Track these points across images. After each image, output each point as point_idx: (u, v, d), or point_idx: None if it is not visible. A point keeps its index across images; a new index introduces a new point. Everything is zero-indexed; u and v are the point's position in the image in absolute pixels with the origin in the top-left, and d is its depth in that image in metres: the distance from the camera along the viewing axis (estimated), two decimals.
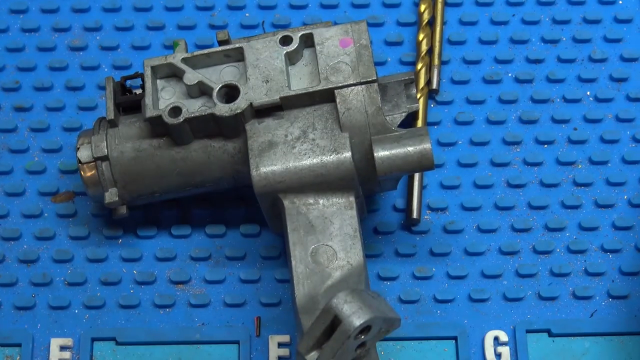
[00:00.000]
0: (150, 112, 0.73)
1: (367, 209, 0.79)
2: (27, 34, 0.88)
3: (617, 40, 0.87)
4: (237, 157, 0.74)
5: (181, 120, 0.72)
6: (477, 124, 0.84)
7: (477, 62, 0.86)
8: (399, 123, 0.75)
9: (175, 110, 0.73)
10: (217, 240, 0.81)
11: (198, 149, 0.74)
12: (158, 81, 0.76)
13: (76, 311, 0.79)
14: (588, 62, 0.86)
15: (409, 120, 0.82)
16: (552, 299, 0.78)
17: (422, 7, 0.86)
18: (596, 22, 0.87)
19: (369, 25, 0.87)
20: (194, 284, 0.79)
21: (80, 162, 0.75)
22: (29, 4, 0.88)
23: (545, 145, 0.83)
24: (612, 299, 0.78)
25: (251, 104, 0.72)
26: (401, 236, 0.81)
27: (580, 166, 0.83)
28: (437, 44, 0.85)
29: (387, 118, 0.74)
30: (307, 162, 0.71)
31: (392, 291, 0.79)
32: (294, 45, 0.74)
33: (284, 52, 0.74)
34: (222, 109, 0.72)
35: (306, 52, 0.75)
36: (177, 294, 0.79)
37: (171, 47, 0.87)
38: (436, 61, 0.85)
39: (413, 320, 0.78)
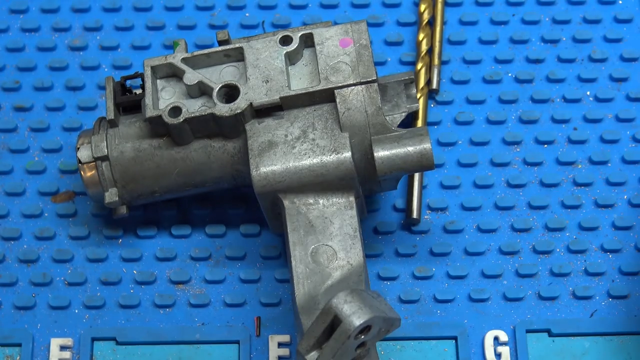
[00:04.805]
0: (150, 112, 0.73)
1: (367, 209, 0.79)
2: (27, 34, 0.88)
3: (617, 40, 0.87)
4: (237, 157, 0.74)
5: (181, 120, 0.72)
6: (477, 124, 0.84)
7: (477, 62, 0.86)
8: (399, 123, 0.75)
9: (175, 110, 0.73)
10: (217, 240, 0.81)
11: (198, 149, 0.74)
12: (158, 81, 0.76)
13: (76, 311, 0.79)
14: (588, 62, 0.86)
15: (409, 120, 0.82)
16: (552, 299, 0.78)
17: (422, 7, 0.86)
18: (596, 22, 0.87)
19: (369, 25, 0.87)
20: (194, 284, 0.79)
21: (80, 162, 0.75)
22: (29, 4, 0.88)
23: (545, 145, 0.83)
24: (612, 299, 0.78)
25: (251, 104, 0.72)
26: (401, 236, 0.81)
27: (580, 166, 0.83)
28: (437, 44, 0.85)
29: (387, 118, 0.74)
30: (307, 162, 0.71)
31: (392, 291, 0.79)
32: (294, 45, 0.74)
33: (284, 52, 0.74)
34: (222, 109, 0.72)
35: (306, 52, 0.75)
36: (177, 294, 0.79)
37: (171, 47, 0.87)
38: (436, 61, 0.85)
39: (413, 320, 0.78)
